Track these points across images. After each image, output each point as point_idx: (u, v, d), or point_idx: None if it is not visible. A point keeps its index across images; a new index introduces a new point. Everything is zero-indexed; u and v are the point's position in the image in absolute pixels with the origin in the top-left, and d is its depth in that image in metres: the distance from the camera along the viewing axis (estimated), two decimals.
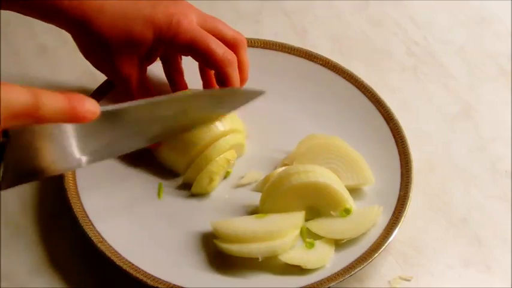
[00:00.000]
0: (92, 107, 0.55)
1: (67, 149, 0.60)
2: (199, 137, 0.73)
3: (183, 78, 0.79)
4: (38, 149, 0.58)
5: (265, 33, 0.92)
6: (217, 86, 0.76)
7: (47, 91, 0.53)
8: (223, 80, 0.74)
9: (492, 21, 0.97)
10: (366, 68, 0.88)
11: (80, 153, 0.62)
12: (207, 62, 0.73)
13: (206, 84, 0.78)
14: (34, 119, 0.53)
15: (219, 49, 0.72)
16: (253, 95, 0.74)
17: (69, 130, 0.59)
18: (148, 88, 0.74)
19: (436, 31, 0.95)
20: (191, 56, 0.74)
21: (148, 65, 0.76)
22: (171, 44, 0.72)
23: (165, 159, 0.75)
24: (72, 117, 0.55)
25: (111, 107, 0.61)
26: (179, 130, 0.72)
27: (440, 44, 0.93)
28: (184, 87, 0.79)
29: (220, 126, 0.74)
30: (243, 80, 0.76)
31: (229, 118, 0.75)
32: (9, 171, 0.56)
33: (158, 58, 0.78)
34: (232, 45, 0.75)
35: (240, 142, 0.76)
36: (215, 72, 0.74)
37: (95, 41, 0.71)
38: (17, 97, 0.51)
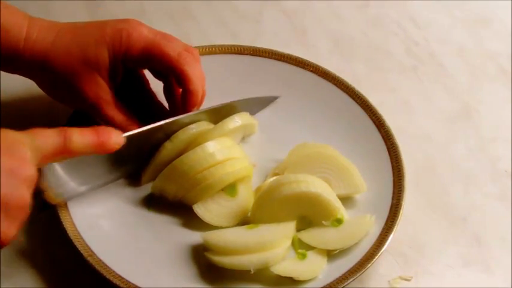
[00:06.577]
0: (117, 139, 0.63)
1: (59, 182, 0.67)
2: (191, 166, 0.70)
3: (157, 100, 0.78)
4: (42, 182, 0.63)
5: (265, 33, 0.92)
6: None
7: (75, 129, 0.60)
8: (182, 81, 0.72)
9: (492, 21, 0.97)
10: (366, 68, 0.88)
11: (74, 184, 0.69)
12: (164, 66, 0.72)
13: (171, 105, 0.76)
14: (66, 155, 0.60)
15: (174, 50, 0.72)
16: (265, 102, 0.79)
17: (55, 166, 0.66)
18: (126, 111, 0.73)
19: (436, 31, 0.95)
20: (149, 67, 0.74)
21: (116, 87, 0.74)
22: (127, 58, 0.72)
23: (157, 189, 0.73)
24: (101, 149, 0.62)
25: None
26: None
27: (440, 44, 0.93)
28: (162, 108, 0.77)
29: (218, 154, 0.71)
30: (202, 93, 0.74)
31: (227, 147, 0.72)
32: (37, 198, 0.61)
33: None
34: None
35: (242, 167, 0.73)
36: (174, 76, 0.73)
37: (56, 76, 0.71)
38: (45, 141, 0.58)
